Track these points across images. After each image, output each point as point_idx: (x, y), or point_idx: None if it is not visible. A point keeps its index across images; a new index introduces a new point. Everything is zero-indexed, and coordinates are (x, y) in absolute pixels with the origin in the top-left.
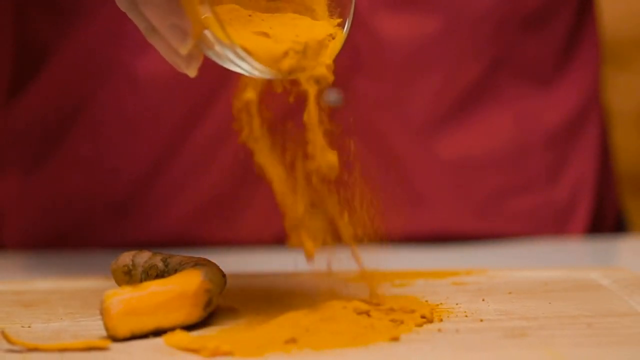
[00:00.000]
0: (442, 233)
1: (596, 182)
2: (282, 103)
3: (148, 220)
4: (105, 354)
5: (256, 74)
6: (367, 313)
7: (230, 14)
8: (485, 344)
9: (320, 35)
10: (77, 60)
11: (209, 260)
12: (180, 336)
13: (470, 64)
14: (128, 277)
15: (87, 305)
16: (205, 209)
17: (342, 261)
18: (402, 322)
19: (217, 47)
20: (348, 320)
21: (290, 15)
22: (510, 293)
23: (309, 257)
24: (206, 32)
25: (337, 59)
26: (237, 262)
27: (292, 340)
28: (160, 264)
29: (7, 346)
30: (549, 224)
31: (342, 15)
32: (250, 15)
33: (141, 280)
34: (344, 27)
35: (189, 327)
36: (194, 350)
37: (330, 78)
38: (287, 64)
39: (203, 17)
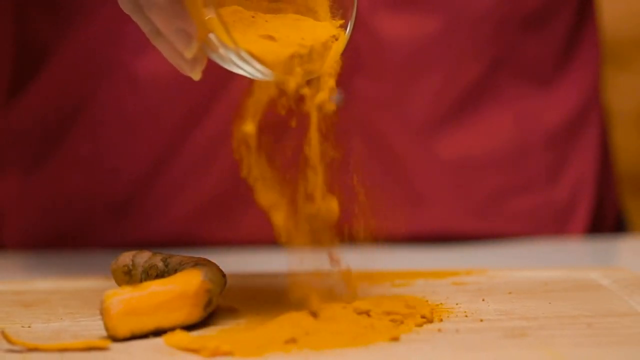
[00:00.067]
0: (442, 233)
1: (596, 182)
2: (283, 128)
3: (148, 220)
4: (105, 354)
5: (259, 76)
6: (367, 313)
7: (233, 16)
8: (485, 344)
9: (324, 36)
10: (77, 60)
11: (209, 260)
12: (180, 336)
13: (470, 64)
14: (128, 277)
15: (87, 305)
16: (205, 209)
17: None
18: (402, 322)
19: (222, 50)
20: (348, 320)
21: (293, 16)
22: (510, 293)
23: (313, 313)
24: (210, 35)
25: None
26: (237, 262)
27: (292, 340)
28: (160, 264)
29: (7, 346)
30: (549, 224)
31: (345, 17)
32: (253, 17)
33: (141, 280)
34: (346, 29)
35: (189, 327)
36: (194, 350)
37: (332, 107)
38: (292, 67)
39: (207, 19)
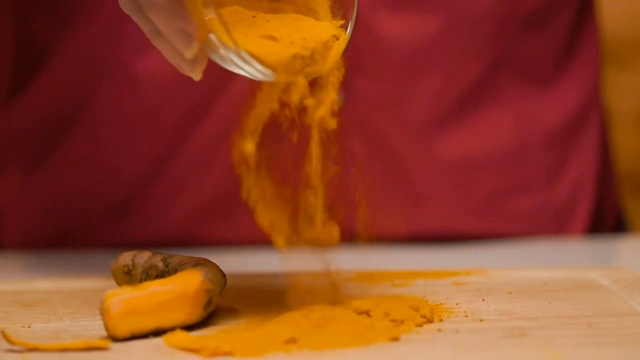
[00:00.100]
0: (442, 233)
1: (596, 182)
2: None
3: (148, 220)
4: (105, 354)
5: (260, 77)
6: (367, 313)
7: (234, 16)
8: (485, 344)
9: (325, 36)
10: (77, 60)
11: (209, 260)
12: (180, 336)
13: (470, 64)
14: (128, 277)
15: (87, 305)
16: (205, 209)
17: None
18: (402, 322)
19: (222, 51)
20: (348, 320)
21: (294, 15)
22: (510, 293)
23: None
24: (211, 35)
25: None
26: (237, 262)
27: (292, 340)
28: (160, 264)
29: (7, 346)
30: (549, 224)
31: (345, 17)
32: (254, 17)
33: (141, 280)
34: (346, 29)
35: (189, 327)
36: (194, 350)
37: (334, 124)
38: (294, 67)
39: (207, 19)
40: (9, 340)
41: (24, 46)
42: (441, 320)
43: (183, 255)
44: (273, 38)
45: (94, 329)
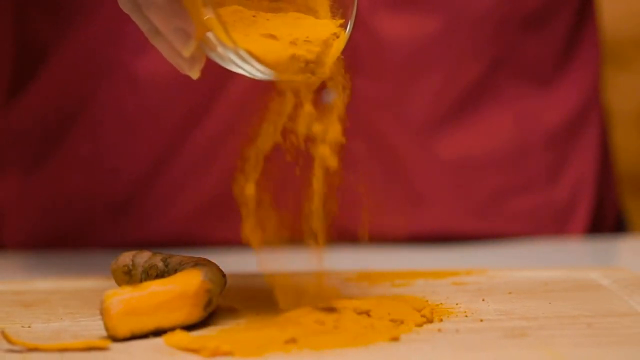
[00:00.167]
0: (442, 233)
1: (596, 182)
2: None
3: (148, 220)
4: (105, 354)
5: (259, 75)
6: (367, 313)
7: (234, 16)
8: (485, 344)
9: (325, 34)
10: (77, 60)
11: (209, 260)
12: (180, 336)
13: (470, 64)
14: (128, 277)
15: (87, 305)
16: (205, 209)
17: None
18: (402, 322)
19: (220, 49)
20: (348, 320)
21: (294, 14)
22: (510, 293)
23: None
24: (209, 34)
25: (338, 59)
26: (237, 262)
27: (292, 340)
28: (160, 264)
29: (7, 346)
30: (549, 224)
31: (345, 16)
32: (254, 16)
33: (141, 280)
34: (346, 28)
35: (189, 327)
36: (194, 350)
37: (335, 163)
38: (294, 67)
39: (206, 18)
40: (9, 340)
41: (24, 46)
42: (441, 320)
43: (183, 255)
44: (273, 37)
45: (94, 329)
